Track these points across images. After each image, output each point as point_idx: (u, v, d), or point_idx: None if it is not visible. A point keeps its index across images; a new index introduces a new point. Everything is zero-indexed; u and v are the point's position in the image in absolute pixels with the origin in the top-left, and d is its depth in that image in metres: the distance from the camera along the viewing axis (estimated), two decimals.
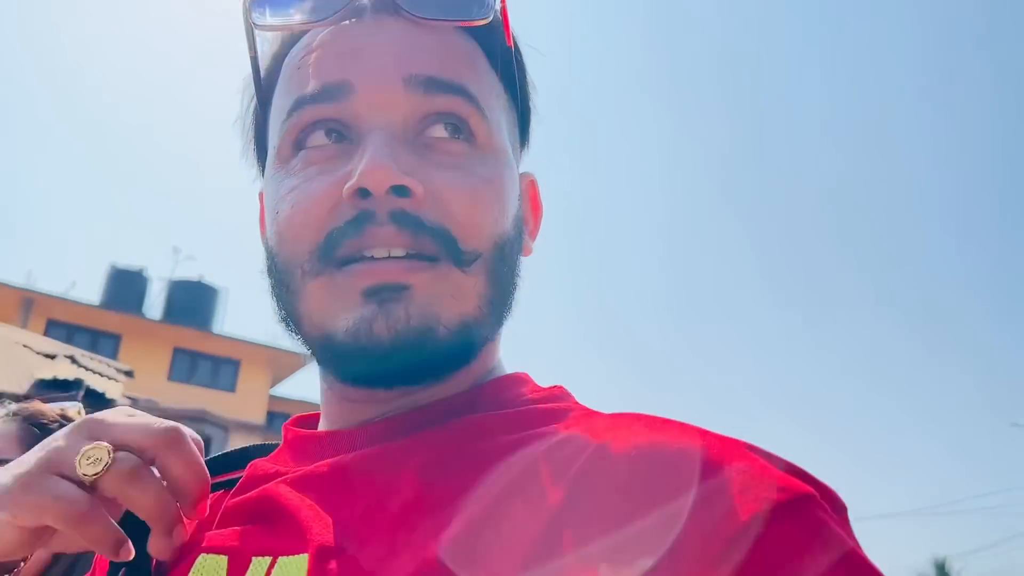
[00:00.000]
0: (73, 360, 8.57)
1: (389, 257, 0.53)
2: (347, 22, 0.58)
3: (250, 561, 0.53)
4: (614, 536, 0.43)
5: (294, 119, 0.57)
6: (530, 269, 0.64)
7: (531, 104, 0.66)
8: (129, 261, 26.88)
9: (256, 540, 0.55)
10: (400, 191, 0.52)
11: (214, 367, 22.46)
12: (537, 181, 0.68)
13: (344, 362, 0.55)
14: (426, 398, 0.58)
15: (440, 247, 0.53)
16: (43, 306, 20.32)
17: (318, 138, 0.57)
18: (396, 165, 0.52)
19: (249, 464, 0.63)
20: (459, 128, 0.56)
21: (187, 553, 0.57)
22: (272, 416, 22.30)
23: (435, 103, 0.55)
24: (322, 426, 0.63)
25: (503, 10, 0.58)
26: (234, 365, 22.81)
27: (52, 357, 8.36)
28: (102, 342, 20.30)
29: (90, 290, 23.80)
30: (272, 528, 0.54)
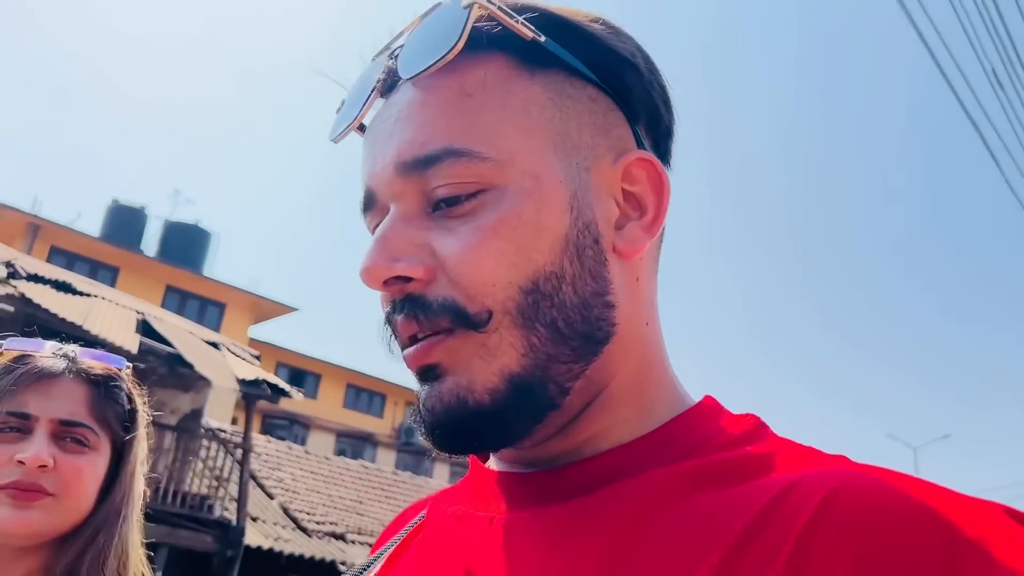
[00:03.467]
0: (217, 346, 10.89)
1: (413, 343, 0.53)
2: (381, 103, 0.58)
3: None
4: None
5: (364, 222, 0.59)
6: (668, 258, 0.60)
7: (621, 78, 0.57)
8: (131, 198, 28.15)
9: None
10: (403, 280, 0.52)
11: (201, 307, 23.95)
12: (654, 158, 0.57)
13: (428, 438, 0.53)
14: (589, 445, 0.55)
15: (450, 321, 0.51)
16: (48, 233, 21.62)
17: None
18: (387, 258, 0.52)
19: (432, 500, 0.64)
20: (459, 185, 0.52)
21: None
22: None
23: (431, 177, 0.52)
24: (495, 460, 0.60)
25: (492, 11, 0.53)
26: (220, 307, 24.35)
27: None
28: (101, 273, 21.65)
29: (92, 223, 25.12)
30: None
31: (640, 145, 0.58)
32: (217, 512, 11.19)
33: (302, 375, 28.40)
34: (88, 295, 10.68)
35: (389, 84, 0.57)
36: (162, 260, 23.48)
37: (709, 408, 0.57)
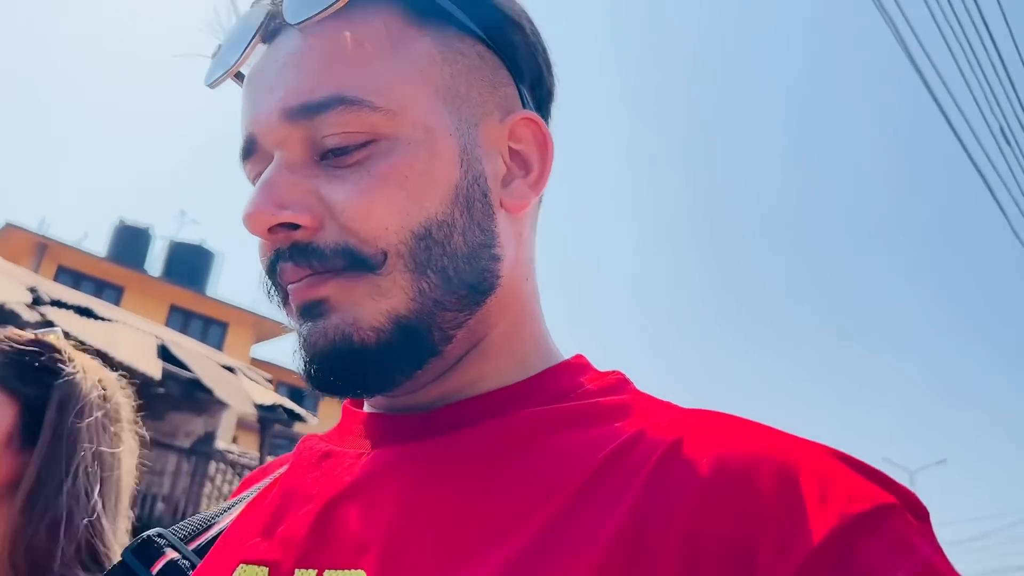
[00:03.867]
0: (233, 370, 11.15)
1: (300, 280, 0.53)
2: (262, 49, 0.56)
3: (293, 574, 0.50)
4: (685, 548, 0.42)
5: (244, 171, 0.58)
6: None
7: (509, 38, 0.58)
8: (137, 218, 28.42)
9: (302, 548, 0.52)
10: (288, 227, 0.52)
11: (204, 326, 24.19)
12: (539, 118, 0.59)
13: (307, 376, 0.53)
14: (465, 390, 0.56)
15: (344, 262, 0.51)
16: (55, 253, 21.89)
17: None
18: (273, 204, 0.51)
19: (302, 439, 0.63)
20: (349, 135, 0.52)
21: (227, 561, 0.55)
22: None
23: (319, 124, 0.51)
24: (368, 405, 0.61)
25: None
26: (222, 327, 24.60)
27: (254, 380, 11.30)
28: (106, 292, 21.86)
29: (98, 243, 25.42)
30: (323, 535, 0.52)
31: (525, 105, 0.59)
32: None
33: (302, 394, 28.57)
34: (108, 320, 10.92)
35: (272, 30, 0.56)
36: (167, 280, 23.74)
37: (578, 364, 0.60)
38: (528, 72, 0.60)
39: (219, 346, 23.80)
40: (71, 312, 10.45)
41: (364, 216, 0.51)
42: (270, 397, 11.29)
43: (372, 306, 0.52)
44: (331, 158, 0.53)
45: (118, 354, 9.47)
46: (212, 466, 11.82)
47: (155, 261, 25.05)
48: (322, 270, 0.52)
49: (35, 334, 1.20)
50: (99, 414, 1.16)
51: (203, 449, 11.85)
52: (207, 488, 11.70)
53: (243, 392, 10.90)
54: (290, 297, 0.54)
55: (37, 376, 1.15)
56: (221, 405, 11.03)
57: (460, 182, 0.54)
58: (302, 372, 0.54)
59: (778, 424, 0.50)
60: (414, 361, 0.53)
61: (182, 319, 23.62)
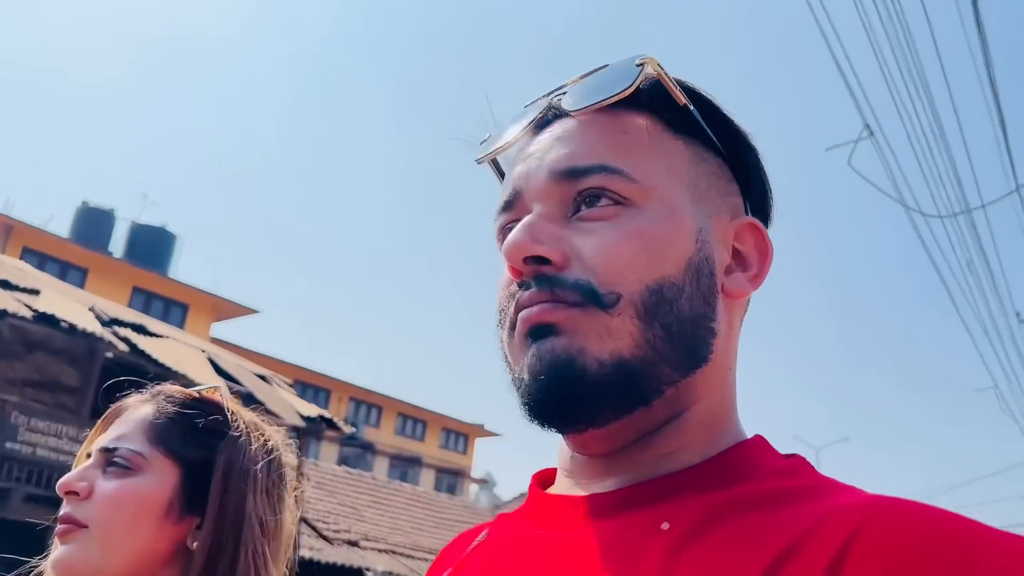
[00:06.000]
0: (266, 379, 12.00)
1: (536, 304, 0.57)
2: (535, 133, 0.64)
3: None
4: None
5: (499, 221, 0.65)
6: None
7: (744, 157, 0.66)
8: (100, 200, 28.33)
9: None
10: (538, 260, 0.57)
11: (166, 307, 24.63)
12: (763, 227, 0.65)
13: (524, 400, 0.58)
14: (654, 465, 0.59)
15: (581, 296, 0.56)
16: (20, 234, 21.96)
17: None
18: (531, 239, 0.57)
19: (497, 517, 0.67)
20: (602, 196, 0.59)
21: None
22: None
23: (579, 185, 0.59)
24: (558, 486, 0.64)
25: (659, 74, 0.61)
26: (183, 308, 25.12)
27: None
28: (70, 274, 22.11)
29: (63, 225, 25.40)
30: None
31: (748, 214, 0.66)
32: None
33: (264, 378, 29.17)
34: (160, 336, 11.78)
35: (546, 121, 0.64)
36: (129, 261, 24.07)
37: (759, 444, 0.62)
38: (755, 187, 0.67)
39: (180, 326, 24.31)
40: (127, 330, 11.28)
41: (608, 262, 0.57)
42: (314, 409, 12.35)
43: (599, 343, 0.56)
44: (583, 210, 0.59)
45: (183, 369, 10.35)
46: None
47: (118, 243, 25.29)
48: (559, 299, 0.57)
49: (197, 392, 1.17)
50: (263, 477, 1.10)
51: None
52: None
53: (289, 404, 11.88)
54: (518, 324, 0.59)
55: (199, 438, 1.10)
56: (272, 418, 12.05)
57: (693, 256, 0.59)
58: (522, 394, 0.58)
59: None
60: (626, 403, 0.57)
61: (144, 300, 23.99)
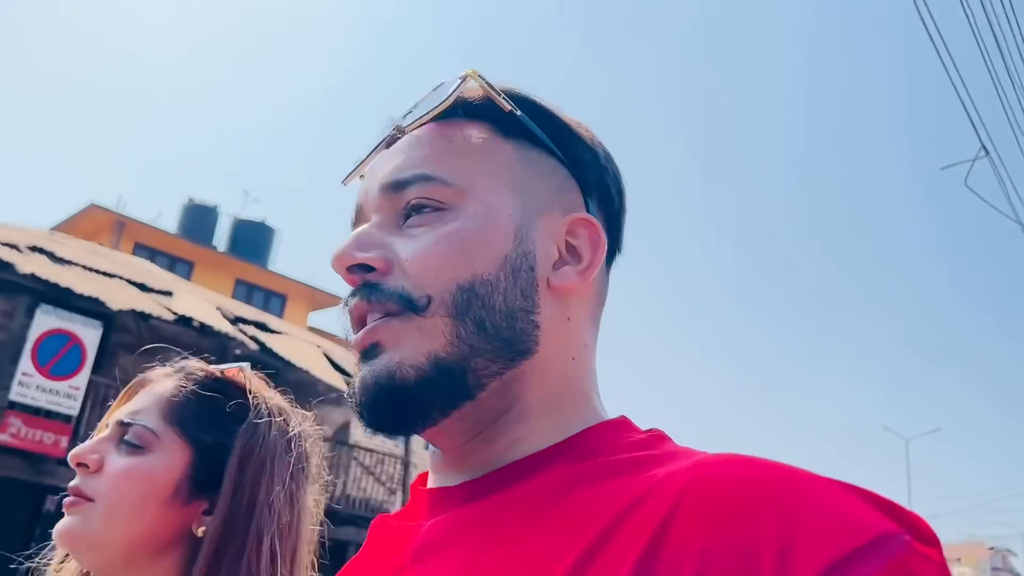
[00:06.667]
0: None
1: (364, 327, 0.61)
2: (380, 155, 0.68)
3: None
4: None
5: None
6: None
7: (579, 156, 0.68)
8: (205, 197, 29.64)
9: None
10: (363, 268, 0.61)
11: (266, 298, 25.56)
12: (597, 222, 0.66)
13: (358, 412, 0.61)
14: (503, 454, 0.61)
15: (398, 304, 0.59)
16: (132, 230, 23.09)
17: None
18: (356, 248, 0.61)
19: (374, 520, 0.70)
20: (425, 205, 0.62)
21: None
22: None
23: (404, 196, 0.62)
24: (429, 481, 0.68)
25: (481, 85, 0.64)
26: (282, 298, 26.10)
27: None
28: (178, 267, 23.18)
29: (170, 221, 26.72)
30: None
31: (589, 212, 0.67)
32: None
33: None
34: (280, 332, 12.40)
35: (392, 139, 0.68)
36: (232, 255, 25.09)
37: (618, 423, 0.63)
38: (595, 188, 0.69)
39: (279, 316, 25.25)
40: (252, 327, 11.93)
41: (421, 265, 0.60)
42: None
43: (415, 347, 0.59)
44: (410, 220, 0.62)
45: (311, 368, 10.89)
46: (356, 454, 13.36)
47: (221, 237, 26.38)
48: (378, 309, 0.60)
49: (221, 370, 1.13)
50: (283, 467, 1.04)
51: (341, 438, 13.37)
52: (356, 473, 13.18)
53: None
54: (353, 346, 0.63)
55: (217, 421, 1.05)
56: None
57: (510, 253, 0.61)
58: (355, 407, 0.61)
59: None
60: (448, 400, 0.59)
61: (246, 291, 24.92)
